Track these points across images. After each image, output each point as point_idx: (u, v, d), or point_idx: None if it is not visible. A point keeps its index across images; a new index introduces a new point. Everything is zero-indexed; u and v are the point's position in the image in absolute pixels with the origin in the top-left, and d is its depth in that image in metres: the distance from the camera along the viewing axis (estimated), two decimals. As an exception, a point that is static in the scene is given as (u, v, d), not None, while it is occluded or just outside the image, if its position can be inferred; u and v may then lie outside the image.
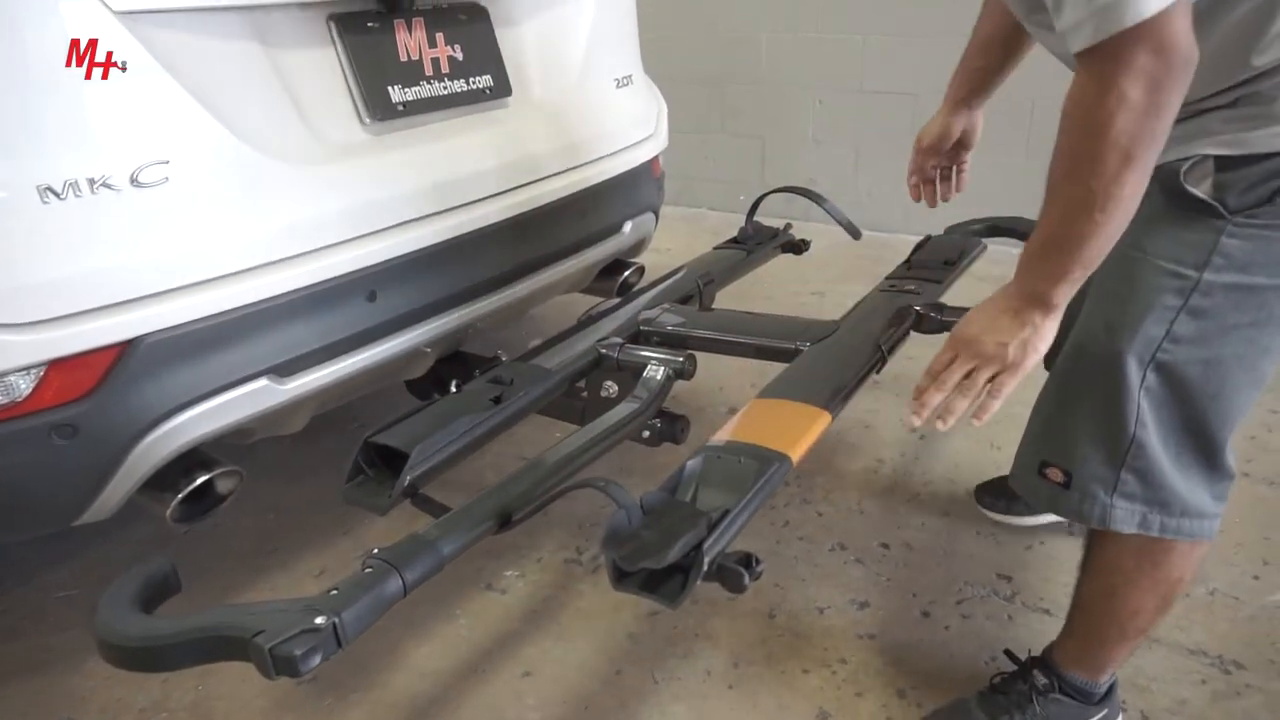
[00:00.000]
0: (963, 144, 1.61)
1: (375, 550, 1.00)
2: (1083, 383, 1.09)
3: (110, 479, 1.28)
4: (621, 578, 0.94)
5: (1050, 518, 1.78)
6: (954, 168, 1.65)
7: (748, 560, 0.92)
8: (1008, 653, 1.42)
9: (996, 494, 1.87)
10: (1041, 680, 1.32)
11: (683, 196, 4.17)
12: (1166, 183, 1.00)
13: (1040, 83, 3.25)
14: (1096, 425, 1.08)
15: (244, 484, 1.47)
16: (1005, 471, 2.03)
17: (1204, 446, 1.08)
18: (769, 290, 3.13)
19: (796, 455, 1.07)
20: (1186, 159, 0.99)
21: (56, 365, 1.18)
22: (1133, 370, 1.03)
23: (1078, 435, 1.10)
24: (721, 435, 1.14)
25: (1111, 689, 1.34)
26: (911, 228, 3.77)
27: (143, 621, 0.91)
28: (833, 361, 1.32)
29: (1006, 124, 3.33)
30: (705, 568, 0.91)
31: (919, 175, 1.65)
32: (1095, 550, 1.21)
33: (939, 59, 3.43)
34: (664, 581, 0.93)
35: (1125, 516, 1.09)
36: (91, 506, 1.30)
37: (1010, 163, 3.39)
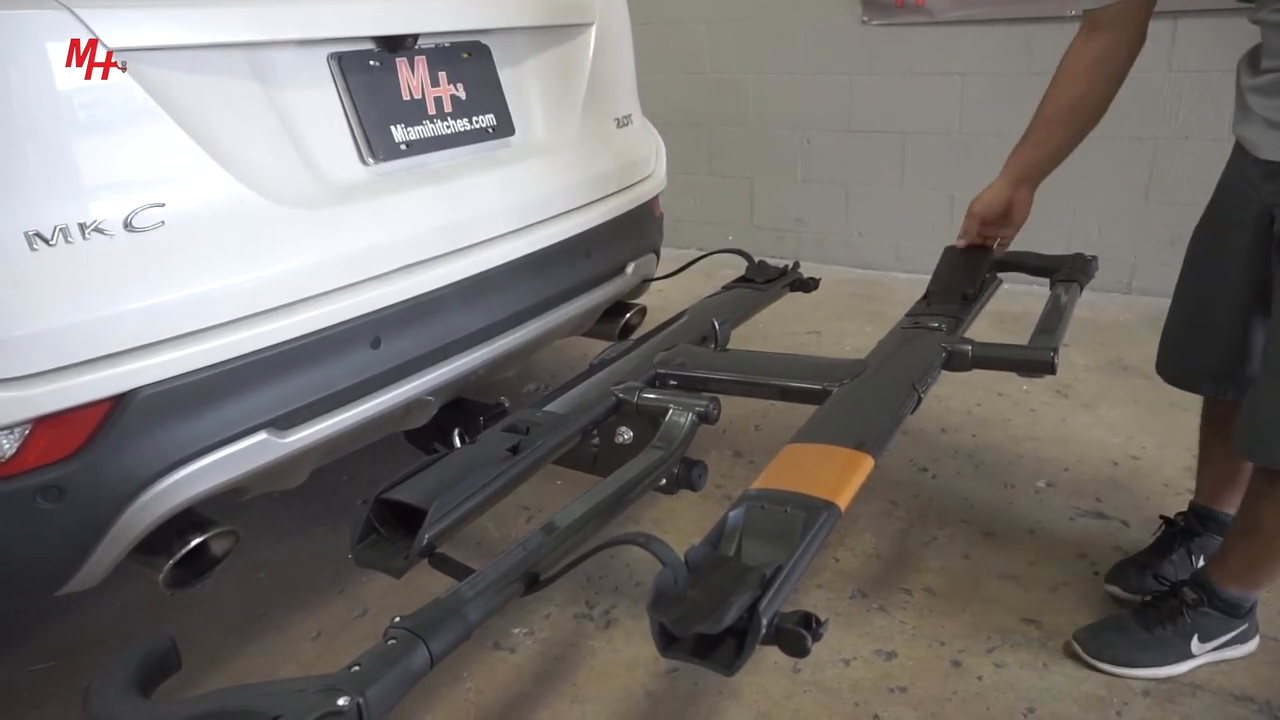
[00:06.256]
0: (1014, 221, 1.65)
1: (397, 619, 0.92)
2: None
3: (99, 544, 1.18)
4: (669, 643, 0.87)
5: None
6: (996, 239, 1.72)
7: (807, 620, 0.85)
8: (1156, 577, 1.63)
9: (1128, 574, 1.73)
10: (1191, 596, 1.50)
11: (671, 237, 4.14)
12: None
13: (1026, 121, 3.30)
14: None
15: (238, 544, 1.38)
16: (1017, 508, 1.99)
17: None
18: (765, 330, 3.09)
19: (844, 502, 1.01)
20: None
21: (43, 423, 1.10)
22: None
23: None
24: (760, 483, 1.08)
25: (1252, 607, 1.51)
26: (903, 266, 3.77)
27: (142, 707, 0.82)
28: (867, 402, 1.27)
29: (998, 162, 3.33)
30: (763, 630, 0.84)
31: (969, 241, 1.70)
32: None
33: (925, 98, 3.48)
34: (716, 646, 0.86)
35: None
36: (78, 574, 1.20)
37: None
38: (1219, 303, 1.45)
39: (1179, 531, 1.72)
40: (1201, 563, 1.66)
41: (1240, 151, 1.36)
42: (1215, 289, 1.46)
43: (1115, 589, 1.71)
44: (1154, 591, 1.60)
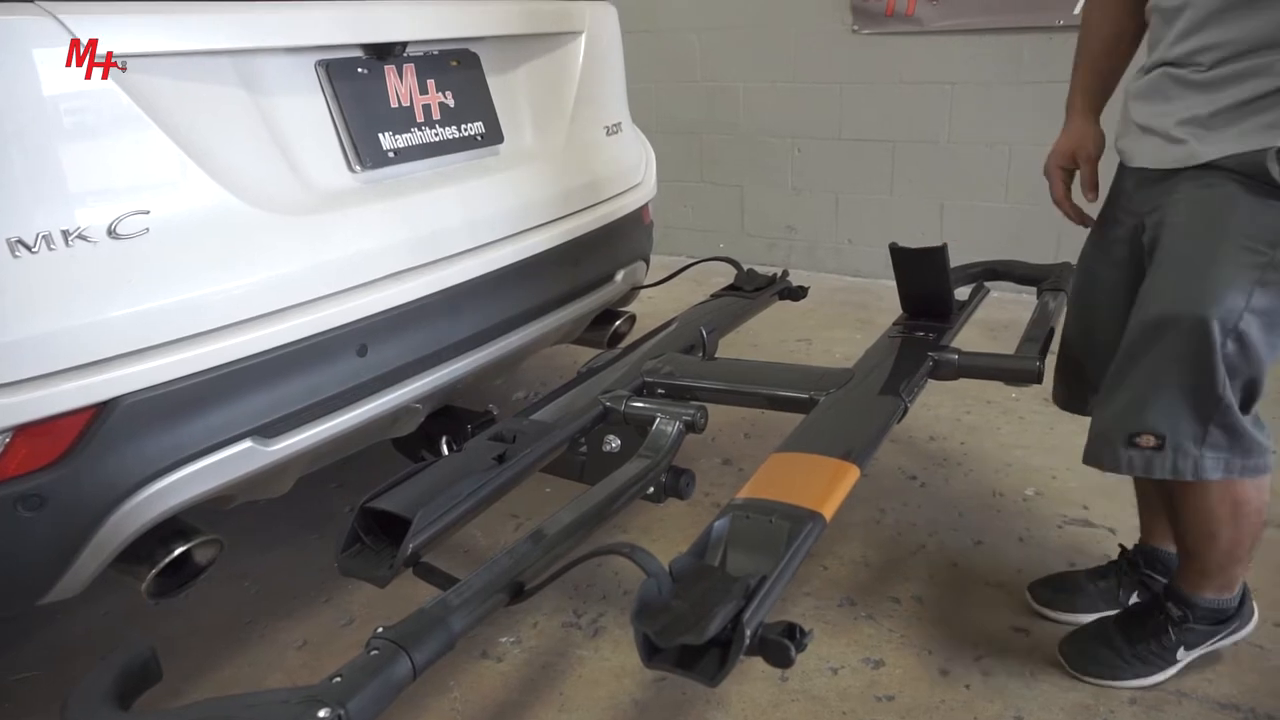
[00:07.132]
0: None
1: (380, 629, 0.92)
2: (1171, 354, 1.20)
3: (81, 553, 1.17)
4: (653, 654, 0.87)
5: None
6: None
7: (791, 631, 0.85)
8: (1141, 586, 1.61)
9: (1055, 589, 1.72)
10: (1176, 612, 1.47)
11: (661, 245, 4.16)
12: (1250, 168, 1.14)
13: (1015, 130, 3.32)
14: (1187, 391, 1.20)
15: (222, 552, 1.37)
16: (1006, 516, 1.99)
17: (1253, 396, 1.23)
18: (754, 338, 3.09)
19: (829, 512, 1.01)
20: (1273, 148, 1.11)
21: (24, 431, 1.09)
22: (1218, 337, 1.16)
23: (1170, 402, 1.21)
24: (745, 492, 1.08)
25: (1243, 599, 1.50)
26: (893, 274, 3.77)
27: None
28: (854, 412, 1.27)
29: (987, 170, 3.36)
30: (747, 641, 0.84)
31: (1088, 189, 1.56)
32: (1183, 506, 1.34)
33: (915, 107, 3.50)
34: (700, 657, 0.86)
35: (1213, 466, 1.24)
36: (60, 583, 1.19)
37: (991, 207, 3.42)
38: (1102, 321, 1.44)
39: (1122, 564, 1.68)
40: (1135, 599, 1.63)
41: (1119, 165, 1.40)
42: (1097, 307, 1.45)
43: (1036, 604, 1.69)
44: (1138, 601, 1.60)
